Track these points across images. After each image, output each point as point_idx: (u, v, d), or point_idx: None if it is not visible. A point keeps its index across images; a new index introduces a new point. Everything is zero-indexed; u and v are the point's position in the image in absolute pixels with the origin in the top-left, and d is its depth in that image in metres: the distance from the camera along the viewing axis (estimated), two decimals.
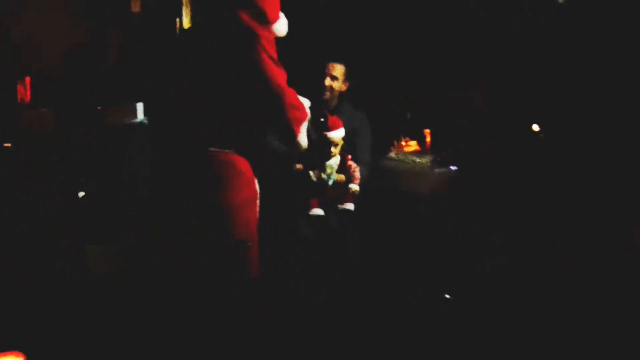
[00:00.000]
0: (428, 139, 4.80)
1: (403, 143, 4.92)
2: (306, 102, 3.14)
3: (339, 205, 4.35)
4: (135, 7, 4.35)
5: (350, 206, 4.35)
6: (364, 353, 3.54)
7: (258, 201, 3.08)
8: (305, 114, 3.08)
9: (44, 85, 4.75)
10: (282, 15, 3.01)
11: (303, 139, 3.09)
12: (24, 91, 4.63)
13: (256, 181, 3.06)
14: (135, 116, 4.66)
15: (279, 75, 2.91)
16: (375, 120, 4.80)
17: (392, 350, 3.55)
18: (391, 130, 5.04)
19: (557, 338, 3.44)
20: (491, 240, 4.07)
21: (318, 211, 4.33)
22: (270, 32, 2.93)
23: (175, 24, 4.62)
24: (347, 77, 4.61)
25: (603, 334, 3.35)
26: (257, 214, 3.08)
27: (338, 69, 4.56)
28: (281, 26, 3.01)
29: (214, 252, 2.86)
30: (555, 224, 3.90)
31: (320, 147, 4.26)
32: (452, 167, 4.42)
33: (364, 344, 3.60)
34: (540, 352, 3.39)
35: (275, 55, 2.91)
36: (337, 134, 4.29)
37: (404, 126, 5.05)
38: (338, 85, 4.56)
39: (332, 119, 4.30)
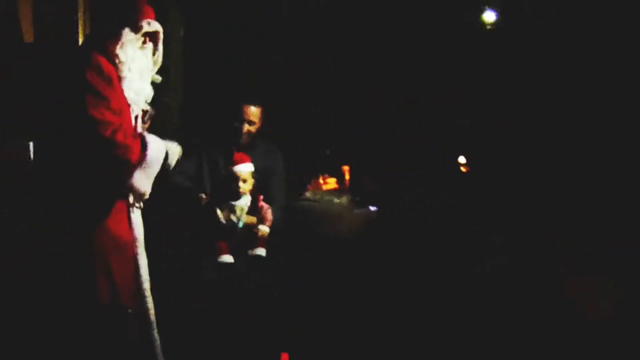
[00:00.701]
0: (347, 177, 4.53)
1: (321, 181, 4.63)
2: (172, 146, 2.87)
3: (249, 251, 3.99)
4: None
5: (261, 251, 3.98)
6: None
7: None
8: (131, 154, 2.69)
9: None
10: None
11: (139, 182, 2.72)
12: None
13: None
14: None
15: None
16: (292, 157, 4.51)
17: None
18: (309, 168, 4.75)
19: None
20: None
21: (227, 258, 3.96)
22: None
23: None
24: (263, 116, 4.30)
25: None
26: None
27: (254, 113, 4.23)
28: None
29: None
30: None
31: (228, 183, 3.98)
32: (372, 208, 4.14)
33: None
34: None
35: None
36: (244, 168, 3.99)
37: (322, 163, 4.78)
38: (255, 128, 4.25)
39: (239, 154, 4.03)
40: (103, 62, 2.59)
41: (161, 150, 2.73)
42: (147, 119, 2.87)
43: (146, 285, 2.74)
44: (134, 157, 2.61)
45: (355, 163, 4.56)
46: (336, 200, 4.29)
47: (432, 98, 4.60)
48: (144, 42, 2.74)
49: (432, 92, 4.65)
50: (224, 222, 3.96)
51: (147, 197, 2.76)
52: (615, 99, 4.10)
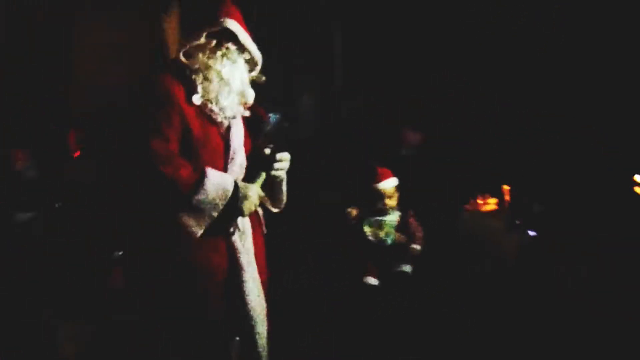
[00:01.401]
0: (507, 197, 4.15)
1: (480, 201, 4.30)
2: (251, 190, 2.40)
3: (395, 267, 3.79)
4: None
5: (408, 268, 3.78)
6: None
7: None
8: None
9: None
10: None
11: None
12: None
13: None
14: None
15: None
16: (450, 175, 4.37)
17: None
18: (469, 186, 4.44)
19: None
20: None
21: (372, 280, 3.79)
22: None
23: None
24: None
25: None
26: None
27: (416, 138, 4.38)
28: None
29: None
30: None
31: (373, 200, 3.82)
32: (531, 233, 3.74)
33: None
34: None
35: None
36: (389, 184, 3.83)
37: (483, 180, 4.43)
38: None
39: (383, 170, 3.87)
40: (161, 82, 2.35)
41: (220, 195, 2.30)
42: (271, 129, 2.55)
43: (255, 312, 2.47)
44: (183, 190, 2.26)
45: (517, 182, 4.16)
46: (493, 225, 3.94)
47: (606, 115, 4.11)
48: (221, 45, 2.41)
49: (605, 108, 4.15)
50: (372, 239, 3.81)
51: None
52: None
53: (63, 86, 4.87)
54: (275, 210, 2.66)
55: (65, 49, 4.83)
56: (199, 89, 2.36)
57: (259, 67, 2.55)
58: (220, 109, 2.40)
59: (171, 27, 4.02)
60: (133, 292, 2.76)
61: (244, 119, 2.53)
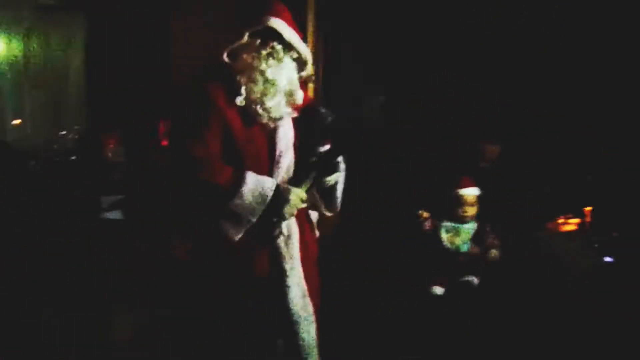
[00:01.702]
0: (588, 219, 3.98)
1: (561, 220, 4.14)
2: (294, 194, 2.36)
3: (463, 277, 3.77)
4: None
5: (475, 280, 3.75)
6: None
7: None
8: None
9: None
10: None
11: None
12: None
13: None
14: None
15: None
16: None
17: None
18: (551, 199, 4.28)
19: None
20: None
21: (439, 290, 3.78)
22: None
23: None
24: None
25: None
26: None
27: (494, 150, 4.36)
28: None
29: None
30: None
31: (452, 205, 3.81)
32: (607, 259, 3.57)
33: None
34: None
35: None
36: (470, 192, 3.82)
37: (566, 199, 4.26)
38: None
39: (466, 178, 3.87)
40: (200, 84, 2.36)
41: (258, 199, 2.27)
42: (324, 125, 2.43)
43: (299, 316, 2.44)
44: (220, 195, 2.27)
45: (600, 205, 3.98)
46: (570, 247, 3.80)
47: None
48: (266, 45, 2.35)
49: None
50: (448, 245, 3.80)
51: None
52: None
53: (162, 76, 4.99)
54: (328, 214, 2.59)
55: (164, 39, 4.95)
56: (242, 89, 2.32)
57: (309, 67, 2.46)
58: (265, 110, 2.34)
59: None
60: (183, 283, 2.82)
61: (295, 119, 2.46)
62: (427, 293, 3.77)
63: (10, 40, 5.16)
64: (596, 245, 3.75)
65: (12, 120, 5.30)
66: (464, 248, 3.77)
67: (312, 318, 2.51)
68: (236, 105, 2.34)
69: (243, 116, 2.36)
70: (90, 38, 5.22)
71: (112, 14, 5.07)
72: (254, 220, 2.31)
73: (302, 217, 2.51)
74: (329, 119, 2.45)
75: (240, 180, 2.28)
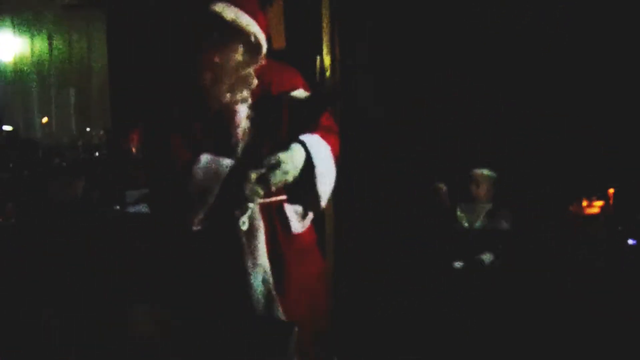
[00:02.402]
0: (611, 202, 3.92)
1: (584, 204, 4.09)
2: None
3: (478, 255, 3.81)
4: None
5: (487, 258, 3.79)
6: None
7: None
8: None
9: None
10: None
11: None
12: None
13: None
14: None
15: None
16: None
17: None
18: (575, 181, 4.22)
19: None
20: None
21: (458, 264, 3.83)
22: None
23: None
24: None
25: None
26: None
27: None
28: None
29: None
30: None
31: (466, 186, 4.02)
32: (630, 241, 3.52)
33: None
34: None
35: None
36: (485, 172, 4.01)
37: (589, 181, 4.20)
38: None
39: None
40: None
41: (212, 178, 2.19)
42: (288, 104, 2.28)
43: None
44: (175, 179, 2.24)
45: (624, 186, 3.92)
46: (591, 232, 3.77)
47: None
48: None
49: None
50: (465, 224, 3.93)
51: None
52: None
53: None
54: (309, 211, 2.45)
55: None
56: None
57: (263, 48, 2.31)
58: (217, 96, 2.28)
59: (275, 18, 4.12)
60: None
61: (254, 105, 2.34)
62: (446, 271, 3.81)
63: (34, 41, 5.27)
64: (620, 228, 3.70)
65: (40, 119, 5.43)
66: (478, 224, 3.92)
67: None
68: (190, 94, 2.30)
69: (196, 105, 2.30)
70: (112, 36, 5.31)
71: (134, 12, 5.14)
72: (211, 201, 2.21)
73: (273, 212, 2.37)
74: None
75: (194, 161, 2.23)
